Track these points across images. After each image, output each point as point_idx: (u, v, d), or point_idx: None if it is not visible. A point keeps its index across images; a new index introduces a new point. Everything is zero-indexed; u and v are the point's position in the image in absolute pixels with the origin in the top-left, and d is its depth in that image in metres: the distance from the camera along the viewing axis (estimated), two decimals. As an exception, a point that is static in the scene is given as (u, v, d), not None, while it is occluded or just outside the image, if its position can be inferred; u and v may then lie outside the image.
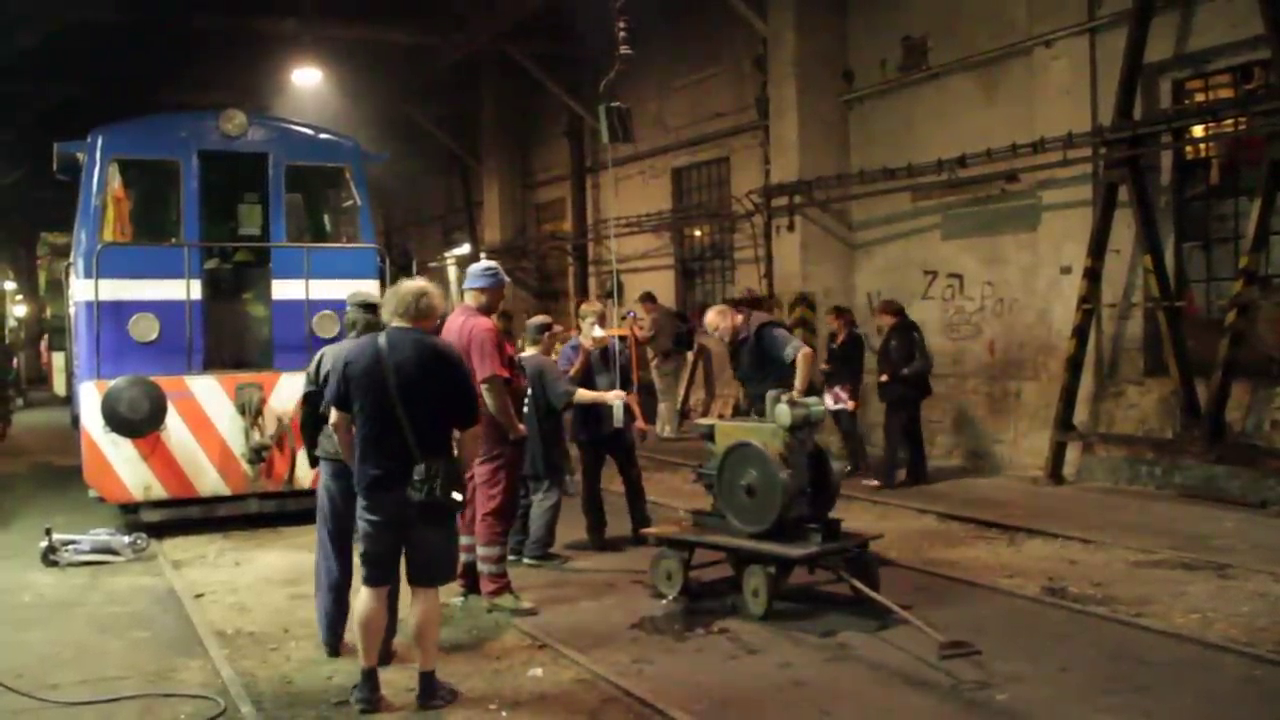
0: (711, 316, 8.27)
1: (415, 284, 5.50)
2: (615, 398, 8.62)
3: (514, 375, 7.26)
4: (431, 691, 5.42)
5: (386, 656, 5.87)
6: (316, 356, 6.43)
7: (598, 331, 8.74)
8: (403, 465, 5.18)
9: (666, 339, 15.97)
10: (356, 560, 5.68)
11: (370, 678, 5.42)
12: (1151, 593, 7.08)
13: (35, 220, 26.68)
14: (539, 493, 8.35)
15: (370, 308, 6.44)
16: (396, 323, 5.41)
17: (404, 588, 5.55)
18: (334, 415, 5.52)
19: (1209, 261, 10.69)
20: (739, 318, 8.12)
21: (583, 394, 8.58)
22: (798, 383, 7.61)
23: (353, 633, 5.75)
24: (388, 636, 5.84)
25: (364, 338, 5.68)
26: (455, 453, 5.44)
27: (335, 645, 6.29)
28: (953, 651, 5.64)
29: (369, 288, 9.89)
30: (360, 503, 5.41)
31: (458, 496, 5.26)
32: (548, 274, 22.61)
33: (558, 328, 8.71)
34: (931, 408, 13.16)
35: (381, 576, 5.43)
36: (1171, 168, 10.66)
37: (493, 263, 7.67)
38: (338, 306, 7.95)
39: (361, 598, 5.46)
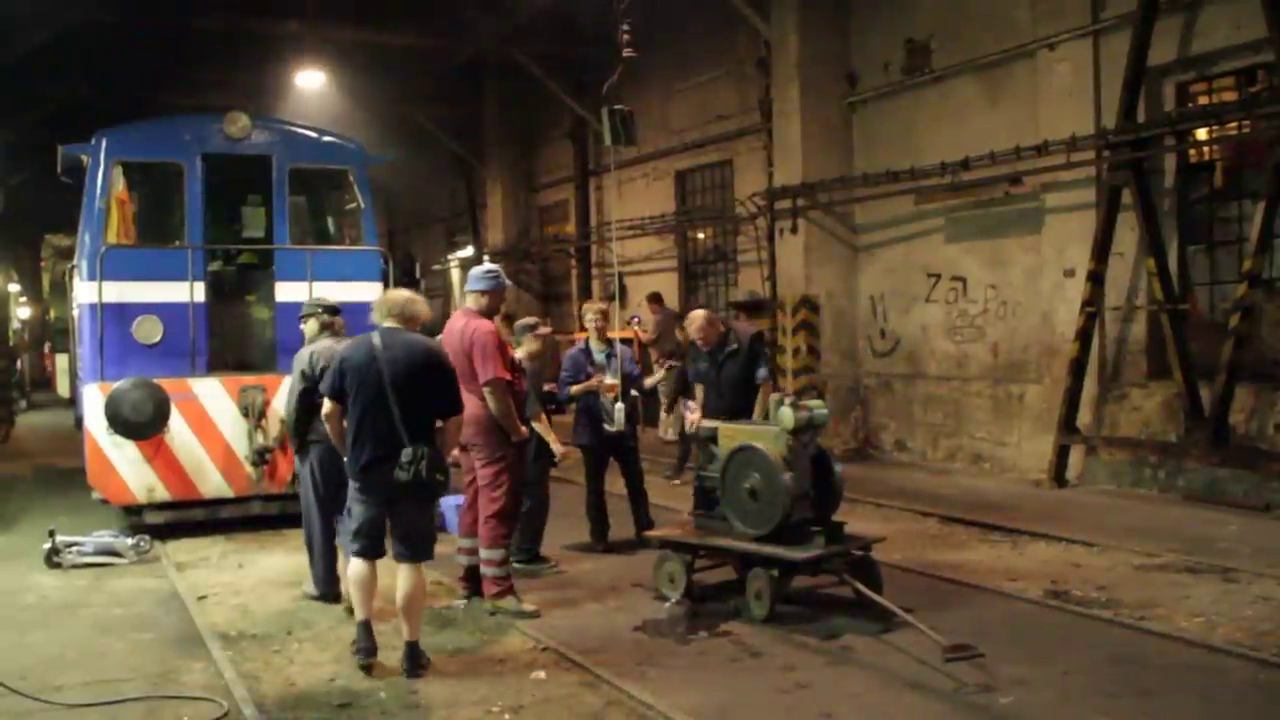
0: (703, 325, 8.26)
1: (405, 291, 6.28)
2: (598, 383, 8.64)
3: (516, 378, 7.26)
4: (416, 659, 5.97)
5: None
6: (307, 354, 7.41)
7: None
8: (392, 449, 5.78)
9: (669, 341, 15.95)
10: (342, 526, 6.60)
11: (365, 627, 6.05)
12: (1155, 596, 7.07)
13: (39, 222, 26.69)
14: None
15: (331, 309, 7.80)
16: (388, 323, 6.04)
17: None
18: (329, 405, 6.08)
19: (1212, 264, 10.66)
20: (722, 328, 8.27)
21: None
22: (757, 408, 8.06)
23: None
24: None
25: (359, 337, 6.21)
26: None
27: (330, 594, 7.34)
28: (956, 655, 5.63)
29: (372, 290, 9.91)
30: (352, 484, 6.03)
31: (440, 478, 5.86)
32: (551, 276, 22.62)
33: (543, 329, 8.56)
34: (934, 410, 13.18)
35: (371, 549, 6.04)
36: (1175, 170, 10.65)
37: (494, 265, 7.67)
38: (341, 309, 8.07)
39: (354, 564, 6.11)
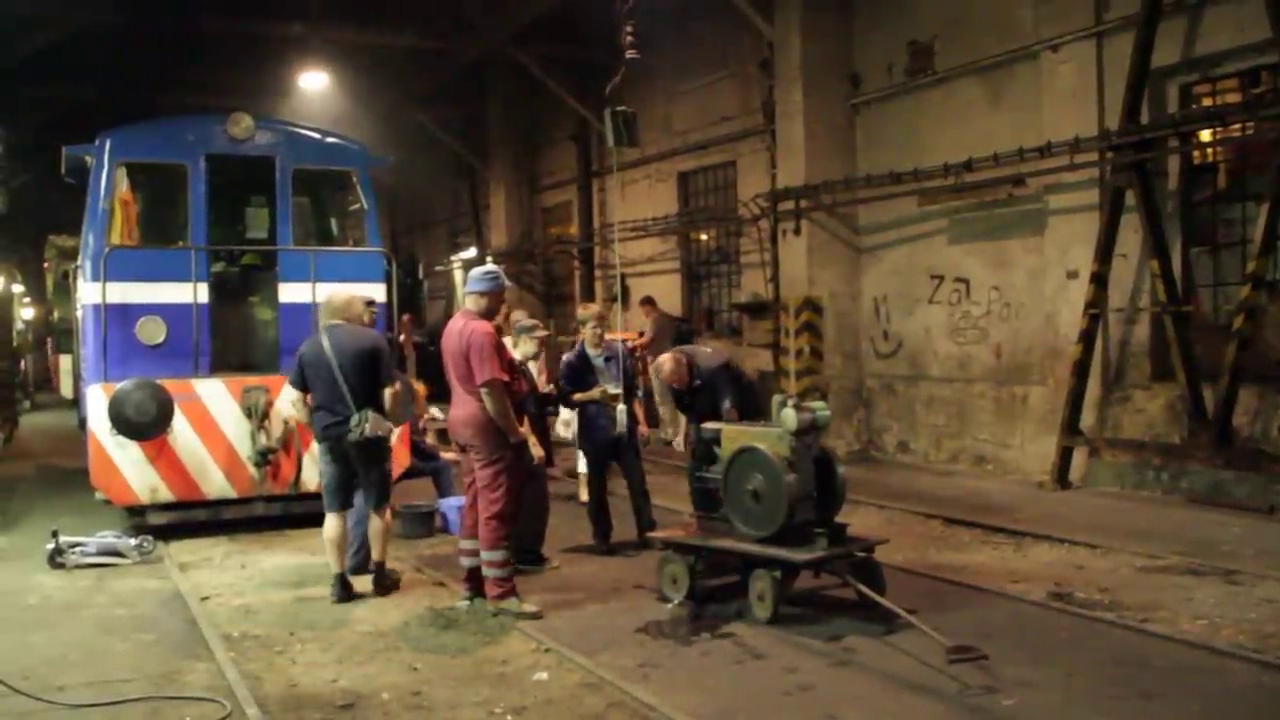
0: (672, 369, 8.40)
1: (343, 294, 7.95)
2: (599, 393, 8.63)
3: (514, 379, 7.25)
4: (382, 576, 7.66)
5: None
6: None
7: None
8: (344, 417, 7.38)
9: (666, 342, 15.94)
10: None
11: (341, 579, 7.53)
12: (1158, 598, 7.06)
13: (43, 223, 26.74)
14: None
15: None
16: (334, 321, 7.60)
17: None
18: (295, 394, 7.62)
19: (1216, 266, 10.66)
20: (686, 363, 8.43)
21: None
22: None
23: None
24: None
25: (311, 337, 7.75)
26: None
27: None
28: (959, 656, 5.63)
29: (375, 291, 9.92)
30: (319, 448, 7.61)
31: (381, 433, 7.41)
32: (554, 278, 22.61)
33: (540, 331, 8.51)
34: (937, 412, 13.17)
35: (338, 503, 7.55)
36: (1178, 172, 10.64)
37: (493, 266, 7.67)
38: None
39: (326, 522, 7.53)
